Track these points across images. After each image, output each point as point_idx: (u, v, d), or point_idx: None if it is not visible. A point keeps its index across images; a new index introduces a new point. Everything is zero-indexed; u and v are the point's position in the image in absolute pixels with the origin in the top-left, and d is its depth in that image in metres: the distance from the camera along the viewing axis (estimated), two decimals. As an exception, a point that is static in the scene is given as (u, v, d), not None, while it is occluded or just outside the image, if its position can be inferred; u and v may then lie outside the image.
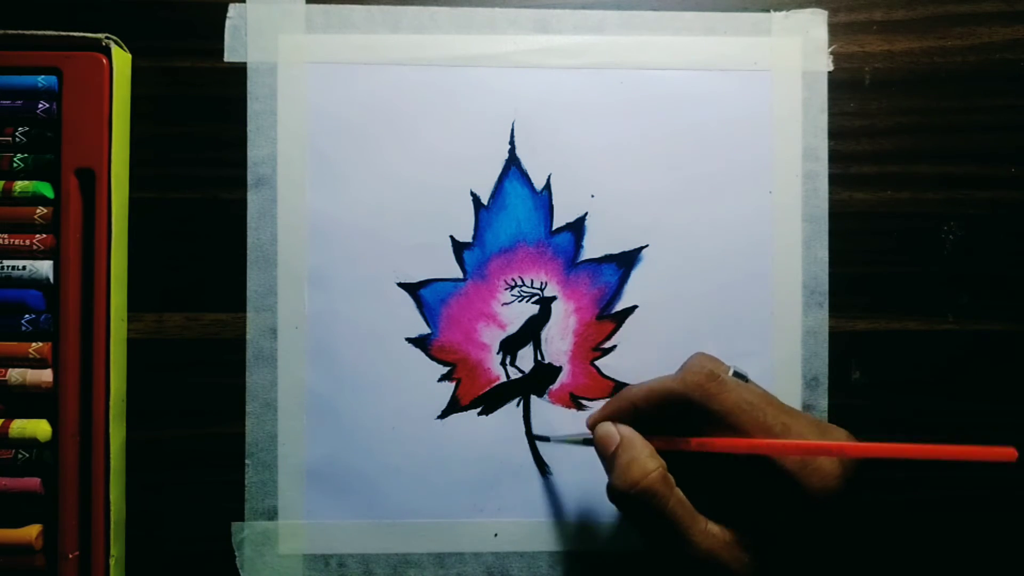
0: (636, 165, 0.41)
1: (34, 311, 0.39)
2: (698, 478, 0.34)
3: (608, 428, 0.35)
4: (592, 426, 0.37)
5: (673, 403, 0.34)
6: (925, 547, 0.41)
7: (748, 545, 0.32)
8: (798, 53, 0.41)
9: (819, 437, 0.33)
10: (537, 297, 0.41)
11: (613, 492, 0.34)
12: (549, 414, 0.41)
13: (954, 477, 0.41)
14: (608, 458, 0.35)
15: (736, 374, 0.35)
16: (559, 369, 0.41)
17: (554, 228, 0.41)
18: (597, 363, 0.41)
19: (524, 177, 0.41)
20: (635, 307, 0.41)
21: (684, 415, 0.34)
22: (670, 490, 0.33)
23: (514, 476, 0.41)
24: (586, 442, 0.37)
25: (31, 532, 0.38)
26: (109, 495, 0.38)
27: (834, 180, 0.41)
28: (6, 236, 0.39)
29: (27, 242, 0.39)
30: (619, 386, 0.41)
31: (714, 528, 0.33)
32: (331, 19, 0.41)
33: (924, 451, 0.29)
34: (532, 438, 0.41)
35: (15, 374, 0.38)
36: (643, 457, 0.33)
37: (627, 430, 0.35)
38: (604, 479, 0.38)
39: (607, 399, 0.41)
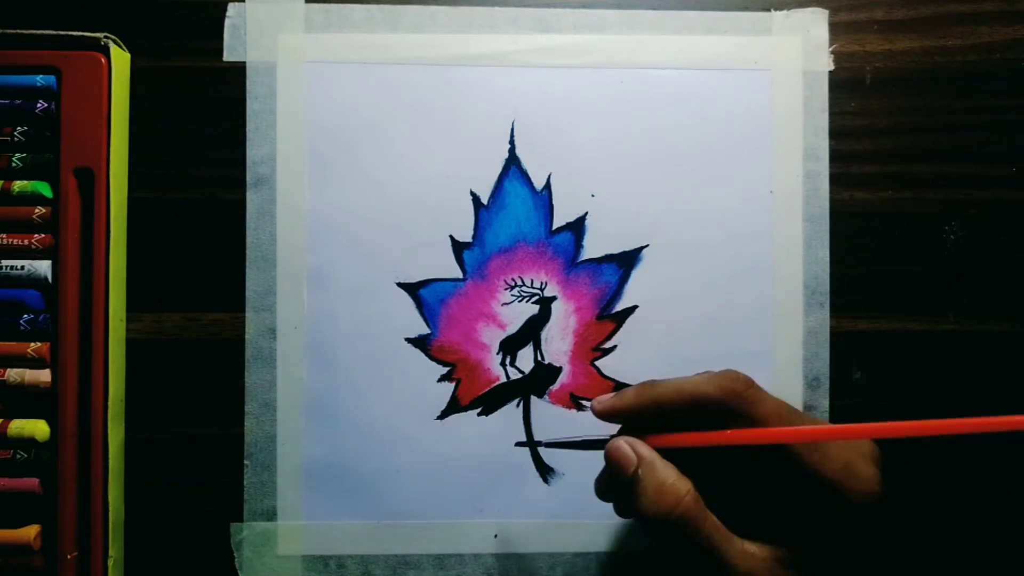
0: (636, 164, 0.41)
1: (32, 311, 0.39)
2: (726, 492, 0.32)
3: (623, 449, 0.33)
4: (603, 413, 0.34)
5: (701, 408, 0.32)
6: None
7: (789, 562, 0.31)
8: (799, 52, 0.41)
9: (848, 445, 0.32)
10: (537, 297, 0.41)
11: (644, 520, 0.31)
12: (549, 415, 0.41)
13: (959, 478, 0.41)
14: (627, 481, 0.32)
15: None
16: (559, 369, 0.41)
17: (554, 228, 0.41)
18: (597, 363, 0.41)
19: (524, 177, 0.41)
20: (635, 307, 0.41)
21: (707, 422, 0.32)
22: (704, 513, 0.31)
23: (514, 476, 0.41)
24: (584, 445, 0.35)
25: (30, 532, 0.38)
26: (108, 495, 0.38)
27: (835, 180, 0.41)
28: (4, 236, 0.39)
29: (25, 242, 0.39)
30: (619, 386, 0.41)
31: (751, 547, 0.31)
32: (331, 18, 0.41)
33: (949, 426, 0.30)
34: (532, 443, 0.41)
35: (13, 374, 0.38)
36: (672, 480, 0.31)
37: (643, 448, 0.32)
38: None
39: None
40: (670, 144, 0.41)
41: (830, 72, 0.41)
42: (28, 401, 0.39)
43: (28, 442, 0.38)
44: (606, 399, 0.34)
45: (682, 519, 0.31)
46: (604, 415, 0.34)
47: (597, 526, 0.41)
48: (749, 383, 0.32)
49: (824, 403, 0.41)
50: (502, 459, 0.41)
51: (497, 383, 0.41)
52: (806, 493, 0.31)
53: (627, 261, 0.41)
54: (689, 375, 0.33)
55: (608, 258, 0.41)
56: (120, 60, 0.40)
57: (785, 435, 0.31)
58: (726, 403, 0.32)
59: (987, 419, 0.29)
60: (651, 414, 0.33)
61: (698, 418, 0.32)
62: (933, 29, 0.42)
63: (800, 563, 0.31)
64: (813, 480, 0.31)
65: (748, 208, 0.41)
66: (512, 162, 0.41)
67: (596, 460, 0.40)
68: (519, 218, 0.41)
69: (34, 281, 0.39)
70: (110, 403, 0.39)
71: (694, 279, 0.41)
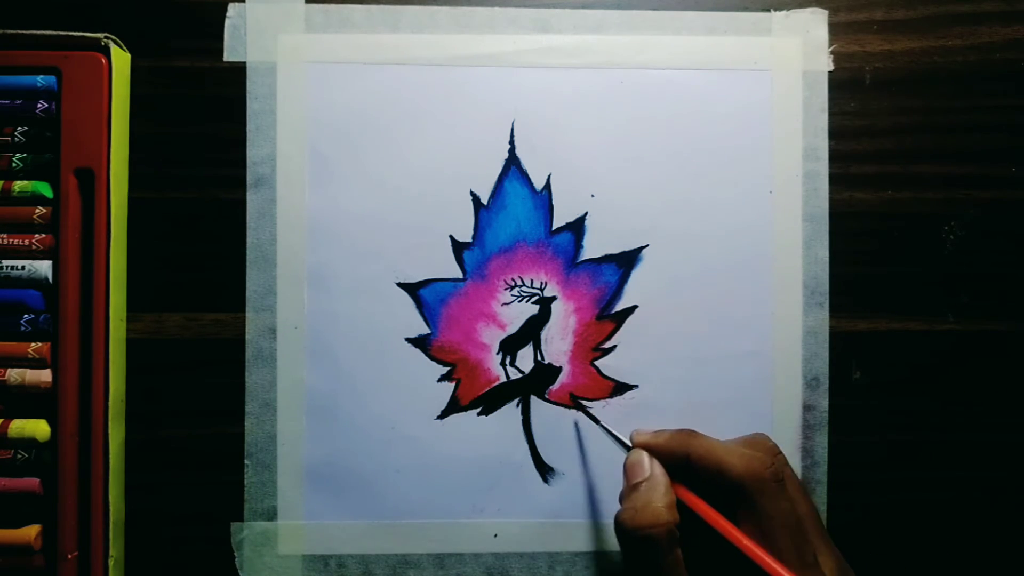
0: (636, 164, 0.41)
1: (33, 311, 0.39)
2: (706, 548, 0.33)
3: (641, 458, 0.35)
4: (639, 445, 0.36)
5: (723, 475, 0.33)
6: (925, 546, 0.41)
7: None
8: (798, 53, 0.41)
9: None
10: (537, 297, 0.41)
11: (618, 525, 0.33)
12: (549, 414, 0.41)
13: (959, 478, 0.41)
14: (629, 488, 0.34)
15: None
16: (559, 369, 0.41)
17: (554, 228, 0.41)
18: (597, 363, 0.41)
19: (524, 177, 0.41)
20: (635, 307, 0.41)
21: (724, 489, 0.33)
22: (671, 547, 0.32)
23: (514, 476, 0.41)
24: (621, 444, 0.38)
25: (30, 532, 0.38)
26: (108, 495, 0.38)
27: (834, 180, 0.41)
28: (5, 236, 0.39)
29: (26, 242, 0.39)
30: (619, 386, 0.41)
31: None
32: (331, 19, 0.41)
33: None
34: (582, 410, 0.41)
35: (14, 374, 0.38)
36: (659, 504, 0.33)
37: (659, 469, 0.35)
38: (604, 480, 0.38)
39: (610, 398, 0.41)
40: (670, 144, 0.41)
41: (830, 72, 0.41)
42: (28, 401, 0.39)
43: (28, 442, 0.38)
44: (645, 433, 0.37)
45: (647, 540, 0.32)
46: (639, 448, 0.36)
47: (597, 526, 0.41)
48: (776, 473, 0.33)
49: (824, 403, 0.41)
50: (502, 459, 0.41)
51: (497, 383, 0.41)
52: None
53: (627, 261, 0.41)
54: (730, 438, 0.36)
55: (608, 258, 0.41)
56: (120, 60, 0.40)
57: (770, 568, 0.31)
58: (745, 483, 0.33)
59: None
60: (680, 461, 0.35)
61: (718, 481, 0.34)
62: (933, 29, 0.42)
63: None
64: None
65: (748, 208, 0.41)
66: (512, 162, 0.41)
67: (596, 461, 0.40)
68: (519, 218, 0.41)
69: (35, 281, 0.39)
70: (110, 403, 0.39)
71: (694, 279, 0.41)
